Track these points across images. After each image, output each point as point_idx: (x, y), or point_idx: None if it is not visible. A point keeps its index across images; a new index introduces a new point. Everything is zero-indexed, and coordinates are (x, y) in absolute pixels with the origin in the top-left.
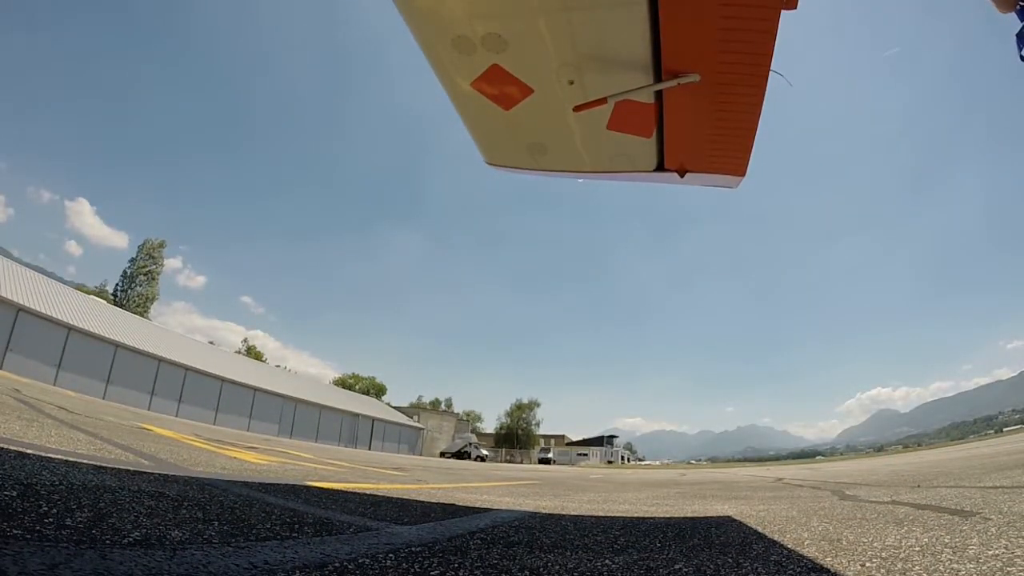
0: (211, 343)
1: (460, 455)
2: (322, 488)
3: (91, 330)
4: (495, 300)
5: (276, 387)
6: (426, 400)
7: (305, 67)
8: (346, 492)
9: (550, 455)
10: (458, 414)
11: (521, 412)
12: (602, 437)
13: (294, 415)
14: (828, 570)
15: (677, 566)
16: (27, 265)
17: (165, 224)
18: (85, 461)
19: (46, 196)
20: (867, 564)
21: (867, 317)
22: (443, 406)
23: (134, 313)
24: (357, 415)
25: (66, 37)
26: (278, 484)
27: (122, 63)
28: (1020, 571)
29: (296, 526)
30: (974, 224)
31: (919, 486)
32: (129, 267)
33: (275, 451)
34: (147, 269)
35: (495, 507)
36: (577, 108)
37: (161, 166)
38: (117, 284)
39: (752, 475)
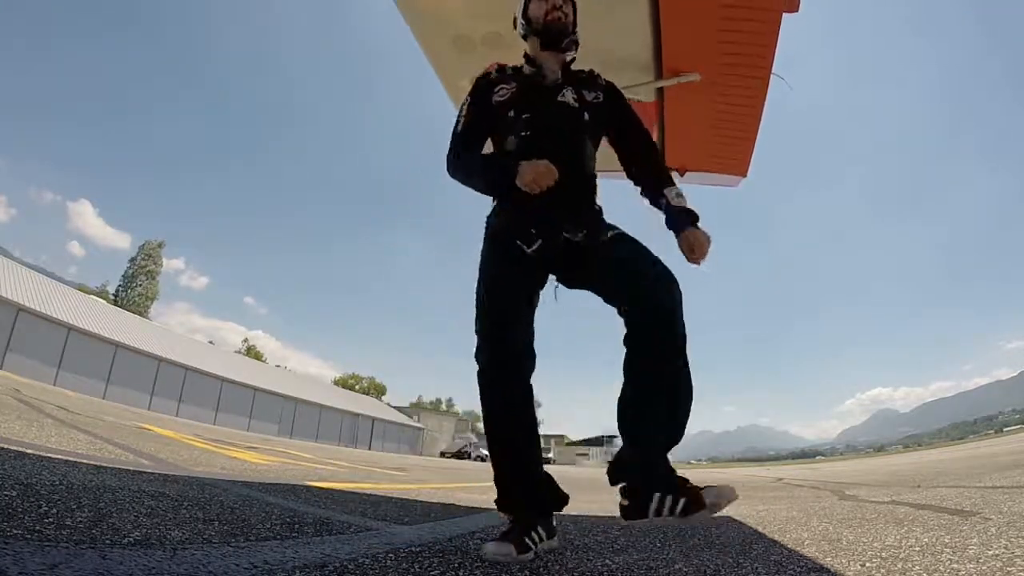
0: (211, 343)
1: (460, 455)
2: (322, 488)
3: (91, 330)
4: None
5: (276, 387)
6: (426, 400)
7: (309, 68)
8: (346, 492)
9: (550, 455)
10: (458, 414)
11: None
12: (602, 437)
13: (294, 415)
14: (828, 570)
15: (677, 566)
16: (28, 265)
17: (168, 225)
18: (85, 461)
19: (48, 197)
20: (867, 564)
21: (867, 317)
22: (443, 406)
23: (134, 313)
24: (357, 415)
25: (67, 38)
26: (278, 484)
27: (125, 64)
28: (1020, 571)
29: (296, 526)
30: (974, 224)
31: (919, 486)
32: (129, 267)
33: (275, 451)
34: (147, 269)
35: (495, 507)
36: None
37: (165, 168)
38: (119, 284)
39: (752, 475)
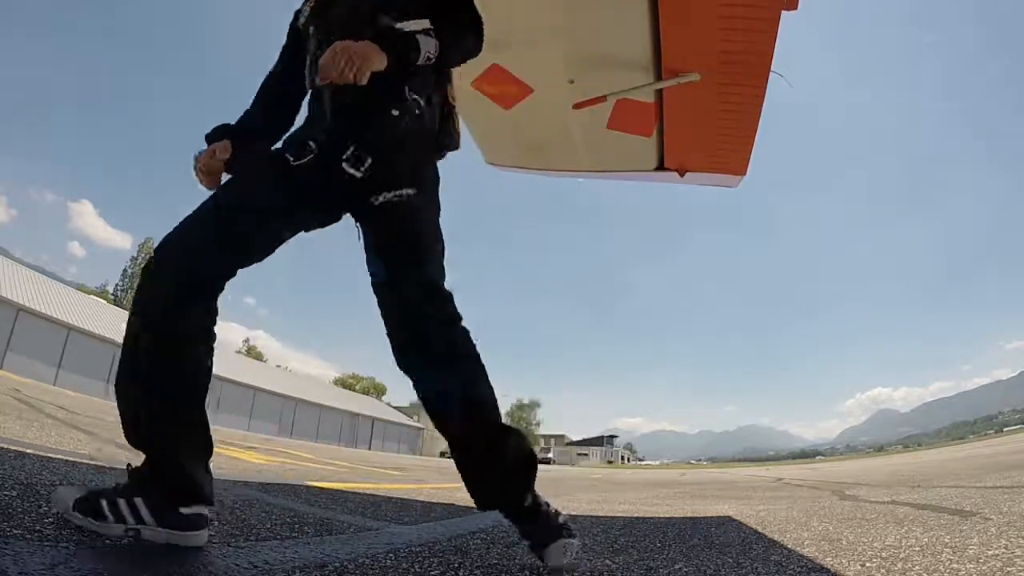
0: None
1: None
2: (322, 488)
3: (91, 330)
4: (494, 300)
5: (276, 387)
6: None
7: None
8: (346, 492)
9: (550, 455)
10: None
11: (521, 412)
12: (602, 437)
13: (294, 415)
14: (828, 570)
15: (677, 566)
16: (29, 265)
17: (169, 225)
18: (85, 461)
19: (49, 197)
20: (867, 564)
21: (867, 317)
22: None
23: None
24: (357, 415)
25: (69, 39)
26: (278, 484)
27: (126, 64)
28: (1020, 571)
29: (296, 526)
30: (974, 224)
31: (919, 486)
32: (129, 266)
33: (275, 451)
34: None
35: None
36: (577, 105)
37: (165, 168)
38: (117, 284)
39: (752, 475)
